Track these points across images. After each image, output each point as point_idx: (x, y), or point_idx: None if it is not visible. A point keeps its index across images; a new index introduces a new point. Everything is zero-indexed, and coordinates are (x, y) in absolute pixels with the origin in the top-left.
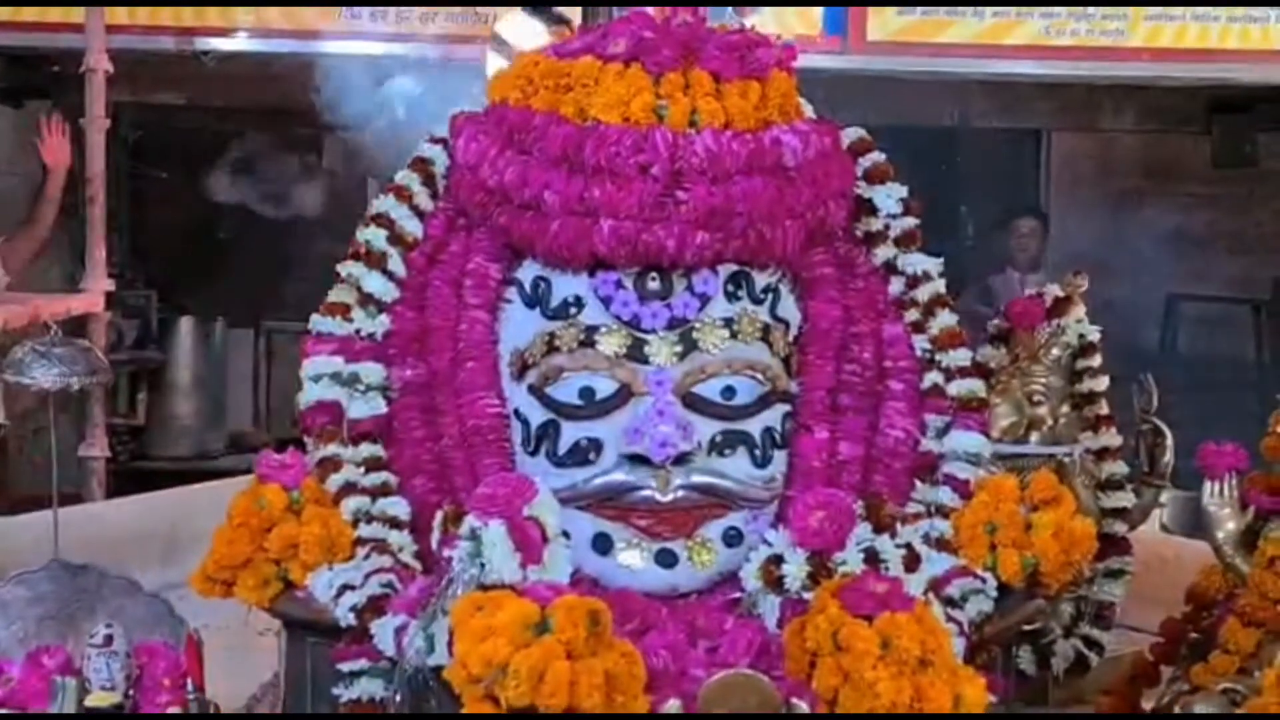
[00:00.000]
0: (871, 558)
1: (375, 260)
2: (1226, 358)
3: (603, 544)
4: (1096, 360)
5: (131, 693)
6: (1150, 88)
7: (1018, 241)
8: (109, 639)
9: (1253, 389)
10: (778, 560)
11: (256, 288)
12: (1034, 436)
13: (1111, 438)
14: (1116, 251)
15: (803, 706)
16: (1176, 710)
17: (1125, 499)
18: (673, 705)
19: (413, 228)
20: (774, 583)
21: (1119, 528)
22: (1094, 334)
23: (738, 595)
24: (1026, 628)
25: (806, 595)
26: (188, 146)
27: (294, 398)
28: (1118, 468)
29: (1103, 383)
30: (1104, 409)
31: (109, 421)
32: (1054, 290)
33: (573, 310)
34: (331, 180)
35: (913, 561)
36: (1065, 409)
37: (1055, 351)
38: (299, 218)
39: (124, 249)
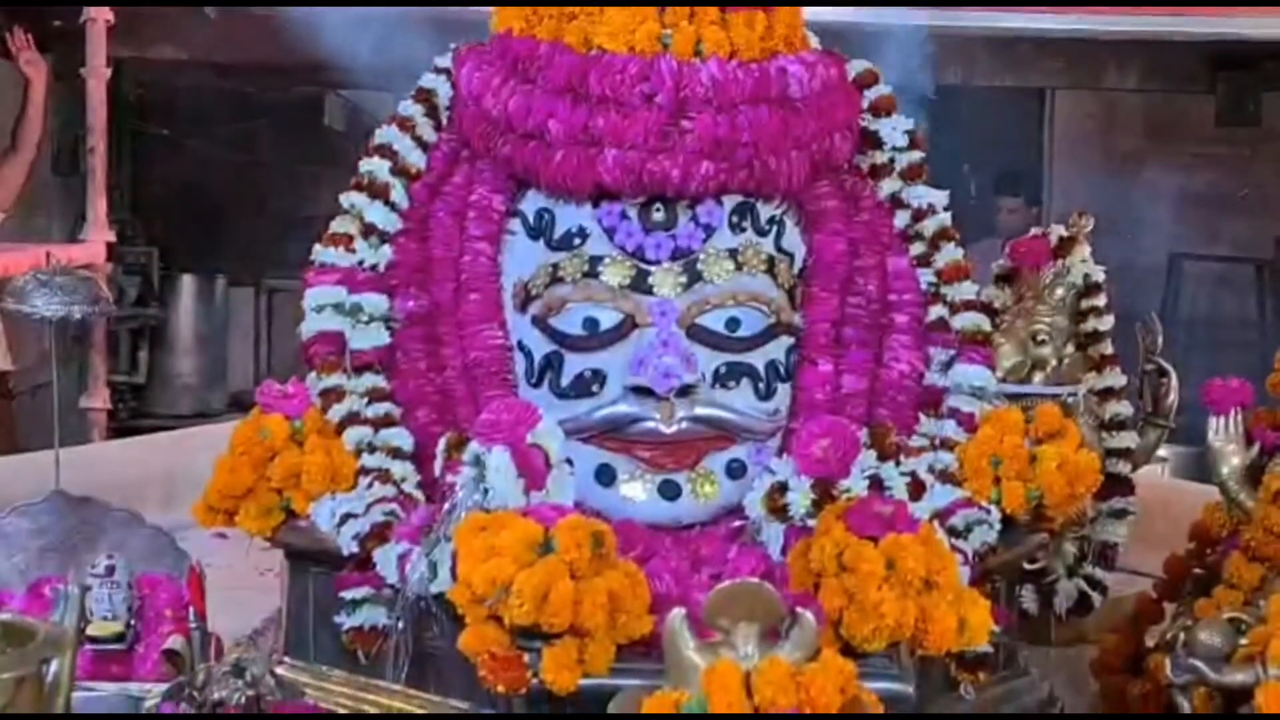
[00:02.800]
0: (876, 485)
1: (378, 191)
2: (1229, 317)
3: (606, 476)
4: (1101, 300)
5: (133, 623)
6: (1154, 44)
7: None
8: (111, 569)
9: (1255, 348)
10: (782, 488)
11: (258, 246)
12: (1038, 377)
13: (1115, 378)
14: (1119, 211)
15: (808, 617)
16: (1181, 639)
17: (1129, 439)
18: (677, 614)
19: (415, 159)
20: (778, 510)
21: (1123, 468)
22: (1099, 274)
23: (741, 524)
24: (1029, 567)
25: (810, 523)
26: (189, 104)
27: (295, 356)
28: (1122, 408)
29: (1107, 322)
30: (1108, 349)
31: (110, 379)
32: (1059, 230)
33: (576, 241)
34: (333, 138)
35: (917, 489)
36: (1069, 349)
37: (1060, 291)
38: (300, 176)
39: (125, 206)
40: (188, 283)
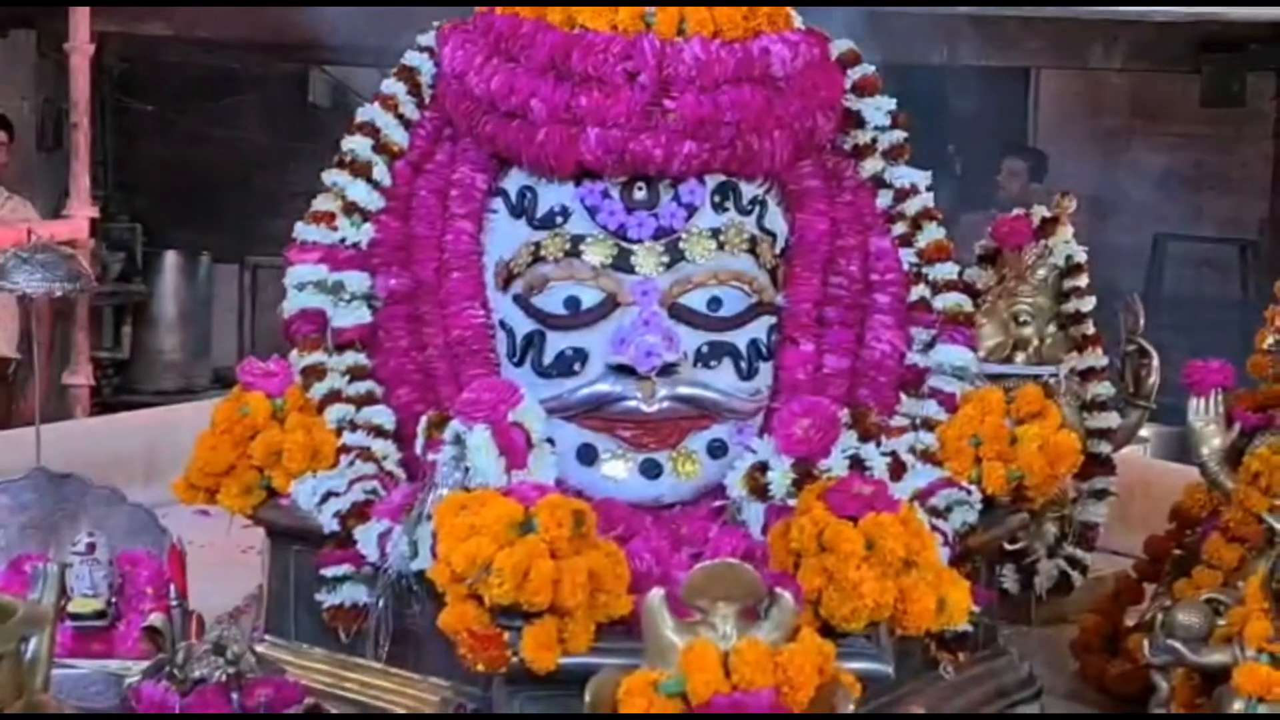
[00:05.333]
0: (856, 465)
1: (360, 169)
2: (1213, 298)
3: (587, 455)
4: (1083, 280)
5: (114, 600)
6: (1140, 25)
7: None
8: (92, 546)
9: (1238, 329)
10: (763, 467)
11: (242, 223)
12: (1020, 357)
13: (1097, 358)
14: (1104, 191)
15: (787, 597)
16: (1160, 619)
17: (1110, 419)
18: (656, 593)
19: (398, 137)
20: (759, 490)
21: (1104, 448)
22: (1081, 254)
23: (722, 504)
24: (1010, 547)
25: (791, 502)
26: (174, 80)
27: (279, 333)
28: (1103, 388)
29: (1089, 303)
30: (1090, 329)
31: (93, 355)
32: (1041, 210)
33: (559, 220)
34: (317, 114)
35: (898, 469)
36: (1051, 329)
37: (1042, 272)
38: (285, 153)
39: (109, 182)
40: (171, 259)
